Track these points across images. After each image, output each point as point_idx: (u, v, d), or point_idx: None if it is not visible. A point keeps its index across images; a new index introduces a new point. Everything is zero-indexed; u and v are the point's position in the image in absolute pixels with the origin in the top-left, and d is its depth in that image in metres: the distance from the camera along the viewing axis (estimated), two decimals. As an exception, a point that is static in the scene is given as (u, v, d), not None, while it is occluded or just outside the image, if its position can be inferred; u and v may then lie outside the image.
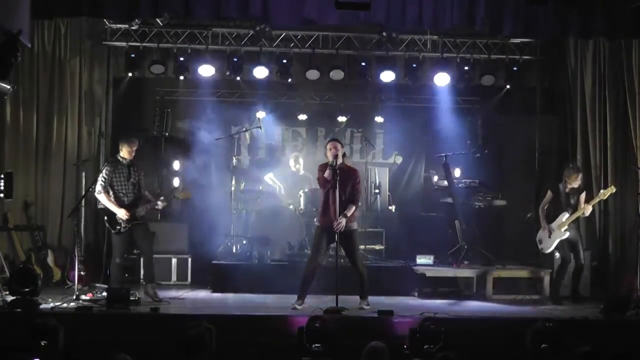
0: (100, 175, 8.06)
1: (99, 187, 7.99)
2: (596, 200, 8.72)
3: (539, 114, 10.91)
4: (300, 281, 7.89)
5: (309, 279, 7.86)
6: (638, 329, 7.32)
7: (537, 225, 10.25)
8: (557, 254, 9.06)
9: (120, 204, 7.99)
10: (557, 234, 8.59)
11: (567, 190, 8.62)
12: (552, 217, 8.69)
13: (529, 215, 9.88)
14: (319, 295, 7.97)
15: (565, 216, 8.58)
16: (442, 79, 10.64)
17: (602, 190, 8.76)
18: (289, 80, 10.73)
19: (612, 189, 8.62)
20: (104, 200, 8.01)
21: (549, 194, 8.73)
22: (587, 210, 8.58)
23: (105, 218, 8.09)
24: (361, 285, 7.91)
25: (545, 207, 8.74)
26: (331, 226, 7.70)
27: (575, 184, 8.60)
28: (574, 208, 8.60)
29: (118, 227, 7.99)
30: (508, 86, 10.85)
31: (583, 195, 8.68)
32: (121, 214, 7.93)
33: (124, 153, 8.07)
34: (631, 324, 7.46)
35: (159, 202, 8.17)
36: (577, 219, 8.67)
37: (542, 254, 9.29)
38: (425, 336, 6.00)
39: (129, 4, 8.00)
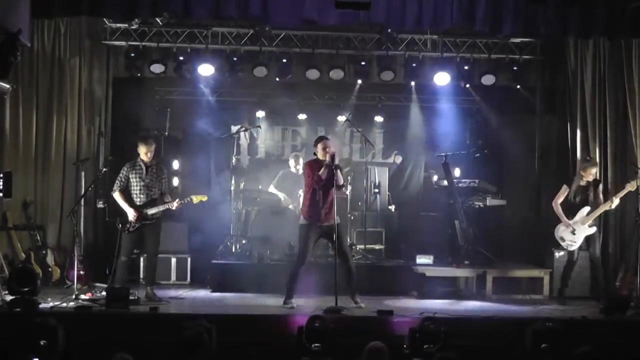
0: (119, 175, 8.22)
1: (115, 186, 8.21)
2: (624, 192, 8.46)
3: (539, 114, 10.92)
4: (288, 280, 7.90)
5: (297, 278, 7.87)
6: (638, 329, 7.32)
7: (539, 223, 10.31)
8: (557, 254, 9.08)
9: (131, 203, 8.09)
10: (582, 230, 8.49)
11: (583, 183, 8.58)
12: (566, 212, 8.62)
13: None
14: (319, 295, 7.97)
15: (586, 210, 8.51)
16: (442, 79, 10.64)
17: (630, 182, 8.47)
18: (289, 80, 10.72)
19: None
20: (117, 198, 8.18)
21: (564, 188, 8.67)
22: (615, 203, 8.47)
23: (118, 217, 8.16)
24: (350, 281, 7.88)
25: (560, 202, 8.68)
26: (319, 223, 7.72)
27: (591, 177, 8.56)
28: (593, 202, 8.53)
29: (127, 226, 8.07)
30: (518, 86, 10.86)
31: (601, 187, 8.62)
32: (130, 214, 8.05)
33: (141, 154, 8.19)
34: (631, 324, 7.45)
35: (175, 204, 8.19)
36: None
37: (545, 254, 9.34)
38: (425, 336, 6.01)
39: (128, 3, 7.98)
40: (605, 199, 8.59)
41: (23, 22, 7.64)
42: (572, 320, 7.29)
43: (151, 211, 8.12)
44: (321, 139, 8.03)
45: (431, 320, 6.34)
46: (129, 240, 8.12)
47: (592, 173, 8.58)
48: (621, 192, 8.49)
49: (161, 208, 8.17)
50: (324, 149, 7.80)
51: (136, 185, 8.17)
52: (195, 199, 8.39)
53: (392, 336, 6.58)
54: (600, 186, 8.65)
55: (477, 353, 6.35)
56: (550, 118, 10.85)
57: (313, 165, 7.87)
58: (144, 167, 8.19)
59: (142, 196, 8.15)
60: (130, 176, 8.18)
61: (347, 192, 10.01)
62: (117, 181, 8.22)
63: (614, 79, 9.61)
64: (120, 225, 8.13)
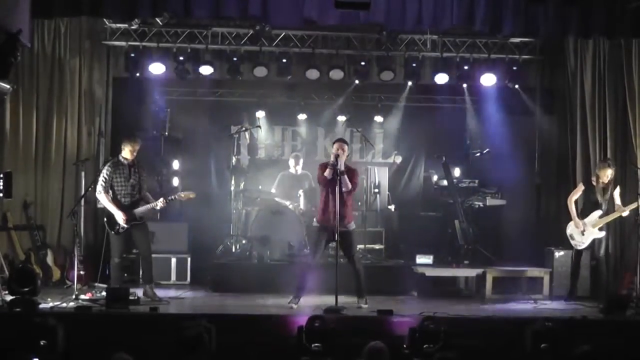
0: (101, 175, 8.07)
1: (99, 187, 8.02)
2: (636, 205, 8.35)
3: (539, 114, 10.91)
4: (297, 280, 7.91)
5: (305, 277, 7.88)
6: (638, 328, 7.32)
7: (539, 223, 10.30)
8: (557, 254, 9.07)
9: (118, 204, 8.00)
10: (591, 233, 8.51)
11: (600, 185, 8.55)
12: (580, 210, 8.61)
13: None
14: (319, 295, 7.97)
15: (598, 213, 8.50)
16: (442, 79, 10.65)
17: None
18: (289, 80, 10.73)
19: None
20: (104, 200, 8.03)
21: (580, 186, 8.68)
22: (625, 213, 8.48)
23: (105, 219, 8.10)
24: (358, 284, 7.91)
25: (574, 200, 8.66)
26: (330, 225, 7.71)
27: (607, 179, 8.52)
28: (607, 204, 8.53)
29: (117, 227, 8.00)
30: (517, 86, 10.86)
31: (618, 189, 8.60)
32: (119, 216, 7.95)
33: (126, 153, 8.06)
34: (631, 324, 7.46)
35: (159, 203, 8.13)
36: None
37: (545, 254, 9.35)
38: (425, 336, 6.01)
39: (128, 3, 7.99)
40: (623, 203, 8.55)
41: (23, 22, 7.64)
42: (572, 320, 7.28)
43: (139, 211, 8.05)
44: (336, 140, 8.04)
45: (431, 319, 6.33)
46: (119, 242, 8.06)
47: (607, 174, 8.52)
48: (632, 205, 8.45)
49: (149, 207, 8.12)
50: (335, 150, 7.82)
51: (121, 186, 8.04)
52: (184, 196, 8.30)
53: (392, 336, 6.58)
54: (618, 189, 8.62)
55: (477, 353, 6.35)
56: (550, 118, 10.85)
57: (322, 167, 7.89)
58: (127, 167, 8.07)
59: (127, 196, 8.06)
60: (114, 176, 8.03)
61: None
62: (101, 182, 8.01)
63: (614, 78, 9.60)
64: (108, 227, 8.05)
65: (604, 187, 8.56)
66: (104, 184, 8.01)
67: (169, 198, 8.24)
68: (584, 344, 5.22)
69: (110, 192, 8.04)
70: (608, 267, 8.99)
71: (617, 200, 8.57)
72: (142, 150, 8.34)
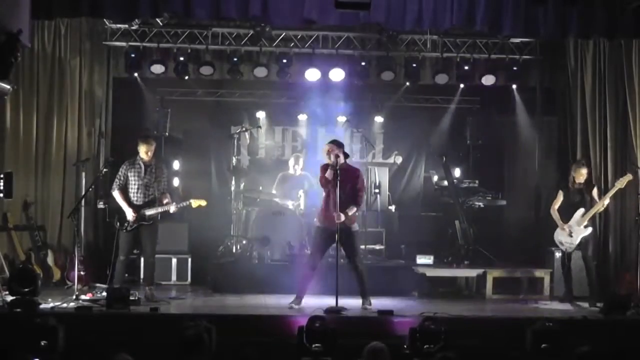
0: (117, 173, 8.21)
1: (114, 184, 8.20)
2: (614, 191, 8.51)
3: (539, 114, 10.91)
4: (299, 281, 7.90)
5: (308, 279, 7.87)
6: (638, 328, 7.32)
7: (539, 223, 10.30)
8: (557, 254, 9.08)
9: (130, 202, 8.08)
10: (579, 232, 8.48)
11: (576, 186, 8.57)
12: (563, 215, 8.61)
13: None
14: (319, 295, 7.97)
15: (581, 212, 8.49)
16: (441, 79, 10.65)
17: (619, 180, 8.54)
18: (289, 80, 10.73)
19: (628, 177, 8.45)
20: (117, 197, 8.14)
21: (560, 193, 8.67)
22: (606, 202, 8.53)
23: (116, 216, 8.17)
24: (362, 285, 7.88)
25: (557, 207, 8.68)
26: (331, 227, 7.71)
27: (583, 178, 8.54)
28: (588, 203, 8.54)
29: (125, 225, 8.07)
30: (514, 86, 10.88)
31: (595, 190, 8.63)
32: (128, 213, 8.04)
33: (141, 153, 8.16)
34: (631, 324, 7.46)
35: (171, 207, 8.18)
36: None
37: (545, 254, 9.36)
38: (425, 336, 6.00)
39: (129, 4, 8.00)
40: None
41: (23, 22, 7.64)
42: (572, 320, 7.29)
43: (149, 212, 8.10)
44: (329, 142, 8.00)
45: (431, 320, 6.33)
46: (126, 240, 8.12)
47: (583, 174, 8.54)
48: (611, 192, 8.57)
49: (159, 210, 8.15)
50: (327, 152, 7.82)
51: (134, 184, 8.14)
52: (195, 203, 8.33)
53: (392, 336, 6.58)
54: (595, 190, 8.65)
55: (478, 353, 6.35)
56: (550, 118, 10.85)
57: (322, 168, 7.90)
58: (142, 166, 8.16)
59: (139, 195, 8.13)
60: (129, 174, 8.14)
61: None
62: (116, 179, 8.19)
63: (614, 79, 9.61)
64: (117, 224, 8.12)
65: (581, 187, 8.56)
66: (118, 181, 8.16)
67: (181, 204, 8.29)
68: (584, 344, 5.22)
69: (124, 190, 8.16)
70: (607, 268, 8.99)
71: (596, 199, 8.59)
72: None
